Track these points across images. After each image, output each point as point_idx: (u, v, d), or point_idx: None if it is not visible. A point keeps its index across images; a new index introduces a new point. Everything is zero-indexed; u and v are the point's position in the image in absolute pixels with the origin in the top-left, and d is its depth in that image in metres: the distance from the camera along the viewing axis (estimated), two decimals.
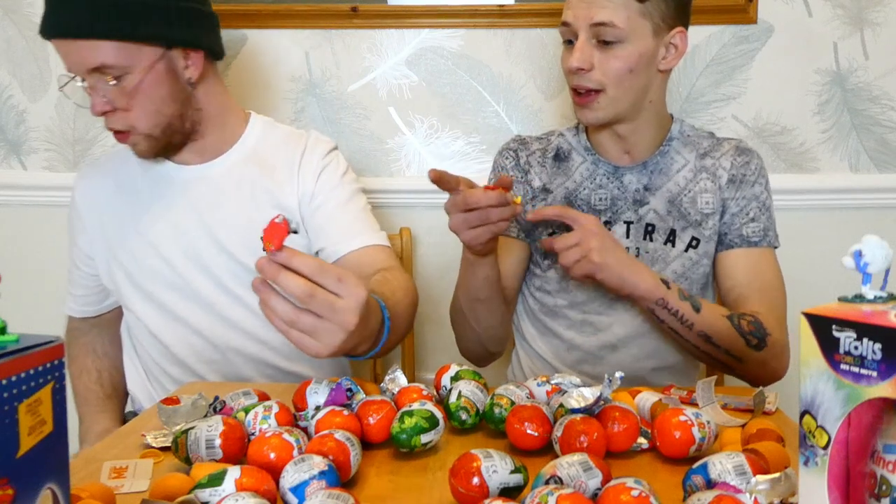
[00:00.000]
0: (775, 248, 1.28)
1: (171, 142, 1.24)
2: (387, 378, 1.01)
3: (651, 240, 1.28)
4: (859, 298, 0.53)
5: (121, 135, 1.20)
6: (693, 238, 1.28)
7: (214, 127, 1.29)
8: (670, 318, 1.15)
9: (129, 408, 1.43)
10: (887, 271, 0.53)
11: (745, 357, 1.16)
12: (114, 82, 1.14)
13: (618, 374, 0.83)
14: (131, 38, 1.13)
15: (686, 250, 1.28)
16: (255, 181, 1.29)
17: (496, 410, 0.89)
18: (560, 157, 1.34)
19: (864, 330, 0.49)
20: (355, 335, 0.84)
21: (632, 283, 1.13)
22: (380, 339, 0.97)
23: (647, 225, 1.28)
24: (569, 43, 1.21)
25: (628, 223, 1.29)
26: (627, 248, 1.28)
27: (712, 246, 1.29)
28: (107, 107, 1.16)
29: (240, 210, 1.28)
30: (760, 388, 0.96)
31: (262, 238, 0.79)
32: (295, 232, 0.79)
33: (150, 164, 1.29)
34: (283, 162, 1.31)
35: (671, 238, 1.28)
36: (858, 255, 0.52)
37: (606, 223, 1.29)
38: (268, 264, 0.80)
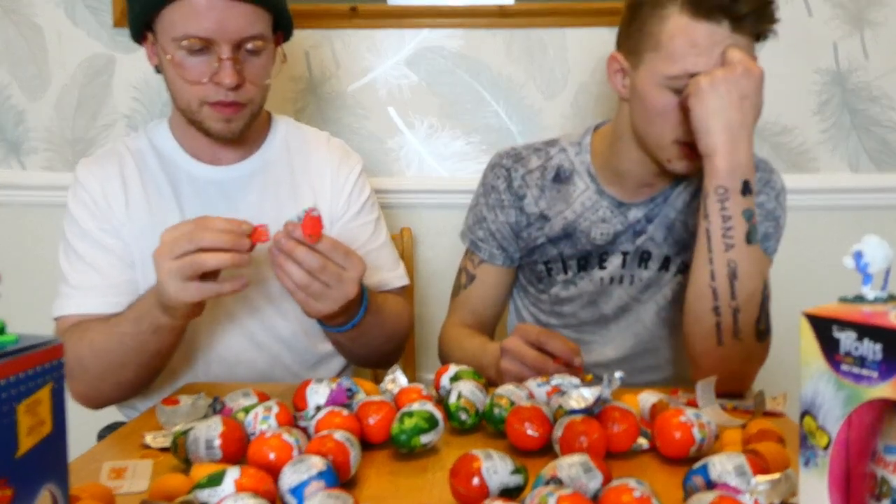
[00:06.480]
0: (770, 257, 1.22)
1: (251, 124, 1.20)
2: (387, 378, 1.01)
3: (646, 267, 1.26)
4: (860, 299, 0.53)
5: (234, 107, 1.14)
6: (683, 263, 1.24)
7: (256, 121, 1.23)
8: (716, 220, 1.03)
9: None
10: (888, 272, 0.53)
11: (744, 337, 1.04)
12: (257, 54, 1.13)
13: (617, 375, 0.83)
14: (279, 11, 1.16)
15: (676, 274, 1.26)
16: (292, 181, 1.27)
17: (496, 411, 0.89)
18: (560, 179, 1.26)
19: (865, 330, 0.49)
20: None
21: (721, 140, 1.01)
22: (354, 317, 1.09)
23: (643, 252, 1.25)
24: (677, 93, 1.07)
25: (625, 253, 1.26)
26: (622, 277, 1.26)
27: None
28: (239, 79, 1.11)
29: (279, 212, 1.19)
30: (761, 388, 0.96)
31: (301, 228, 0.95)
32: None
33: (172, 162, 1.24)
34: (316, 165, 1.29)
35: (665, 265, 1.25)
36: (859, 255, 0.52)
37: (603, 254, 1.26)
38: (285, 240, 0.95)
